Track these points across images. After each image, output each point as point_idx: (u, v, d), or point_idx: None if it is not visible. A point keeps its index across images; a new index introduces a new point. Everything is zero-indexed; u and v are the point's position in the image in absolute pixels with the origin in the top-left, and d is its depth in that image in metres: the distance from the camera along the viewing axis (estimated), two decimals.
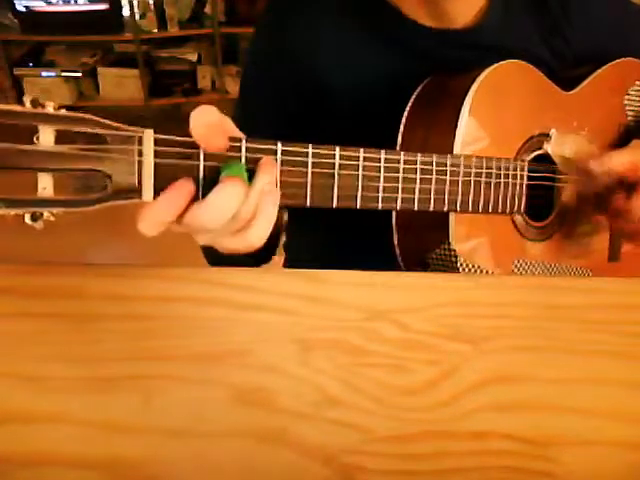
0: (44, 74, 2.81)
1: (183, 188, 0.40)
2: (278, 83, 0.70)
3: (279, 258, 0.90)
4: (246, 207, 0.41)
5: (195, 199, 0.41)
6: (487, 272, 0.62)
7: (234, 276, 0.50)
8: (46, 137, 0.36)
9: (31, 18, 2.69)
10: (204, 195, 0.41)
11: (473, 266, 0.61)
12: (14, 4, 2.62)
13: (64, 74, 2.80)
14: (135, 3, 2.68)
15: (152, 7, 2.71)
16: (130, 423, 0.46)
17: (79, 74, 2.82)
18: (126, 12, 2.73)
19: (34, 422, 0.46)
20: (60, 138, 0.36)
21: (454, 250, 0.59)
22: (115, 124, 0.38)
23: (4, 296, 0.48)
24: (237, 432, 0.47)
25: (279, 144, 0.44)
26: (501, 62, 0.61)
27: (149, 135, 0.39)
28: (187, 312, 0.49)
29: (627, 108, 0.75)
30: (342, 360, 0.49)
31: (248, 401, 0.47)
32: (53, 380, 0.47)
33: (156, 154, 0.39)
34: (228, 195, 0.40)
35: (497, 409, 0.49)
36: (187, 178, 0.40)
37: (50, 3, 2.66)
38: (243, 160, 0.43)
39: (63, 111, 0.36)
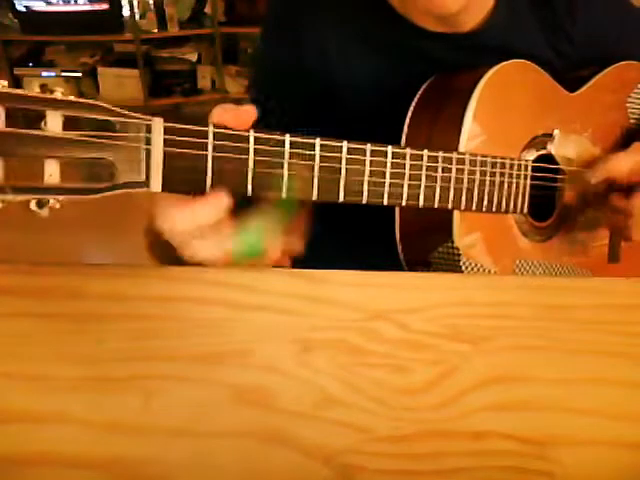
0: (44, 74, 2.81)
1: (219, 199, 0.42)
2: (278, 84, 0.70)
3: None
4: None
5: (203, 190, 0.41)
6: (489, 271, 0.62)
7: (234, 276, 0.50)
8: (54, 123, 0.35)
9: (31, 18, 2.69)
10: (212, 185, 0.41)
11: (475, 265, 0.61)
12: (14, 4, 2.62)
13: (64, 74, 2.81)
14: (135, 3, 2.68)
15: (152, 7, 2.71)
16: (130, 423, 0.46)
17: (79, 74, 2.82)
18: (126, 12, 2.73)
19: (34, 422, 0.46)
20: (68, 124, 0.35)
21: (457, 249, 0.59)
22: (124, 111, 0.38)
23: (4, 296, 0.48)
24: (237, 432, 0.47)
25: (287, 136, 0.44)
26: (506, 62, 0.61)
27: (158, 123, 0.39)
28: (187, 312, 0.49)
29: (630, 111, 0.75)
30: (342, 360, 0.49)
31: (248, 401, 0.47)
32: (53, 380, 0.47)
33: (165, 143, 0.39)
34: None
35: (497, 409, 0.49)
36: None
37: (50, 3, 2.66)
38: (252, 153, 0.43)
39: (72, 97, 0.36)
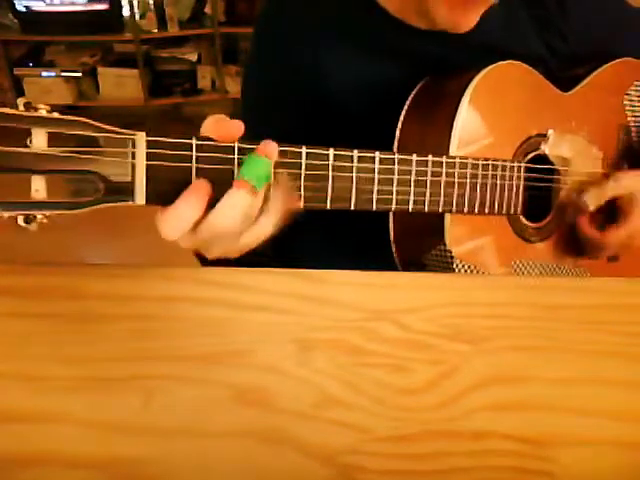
0: (44, 74, 2.81)
1: (201, 189, 0.40)
2: (277, 85, 0.70)
3: None
4: (255, 206, 0.42)
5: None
6: (483, 273, 0.62)
7: (234, 276, 0.50)
8: (39, 140, 0.36)
9: (31, 18, 2.69)
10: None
11: (469, 267, 0.61)
12: (14, 4, 2.62)
13: (64, 74, 2.80)
14: (135, 3, 2.68)
15: (152, 7, 2.71)
16: (130, 423, 0.46)
17: (79, 74, 2.82)
18: (126, 12, 2.72)
19: (34, 422, 0.46)
20: (53, 140, 0.36)
21: (450, 252, 0.59)
22: (108, 127, 0.39)
23: (4, 296, 0.48)
24: (237, 432, 0.47)
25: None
26: (498, 63, 0.61)
27: (142, 138, 0.39)
28: (187, 312, 0.49)
29: (626, 108, 0.75)
30: (342, 360, 0.49)
31: (248, 401, 0.47)
32: (53, 380, 0.47)
33: (148, 157, 0.40)
34: (234, 202, 0.41)
35: (497, 409, 0.49)
36: (202, 180, 0.41)
37: (50, 3, 2.66)
38: (236, 163, 0.43)
39: (56, 114, 0.37)
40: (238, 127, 0.43)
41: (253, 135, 0.44)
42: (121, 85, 2.87)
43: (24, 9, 2.65)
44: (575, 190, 0.69)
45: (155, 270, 0.50)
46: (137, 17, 2.72)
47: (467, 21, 0.59)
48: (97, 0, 2.67)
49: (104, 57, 2.94)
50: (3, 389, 0.47)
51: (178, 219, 0.40)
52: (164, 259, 0.52)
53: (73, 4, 2.68)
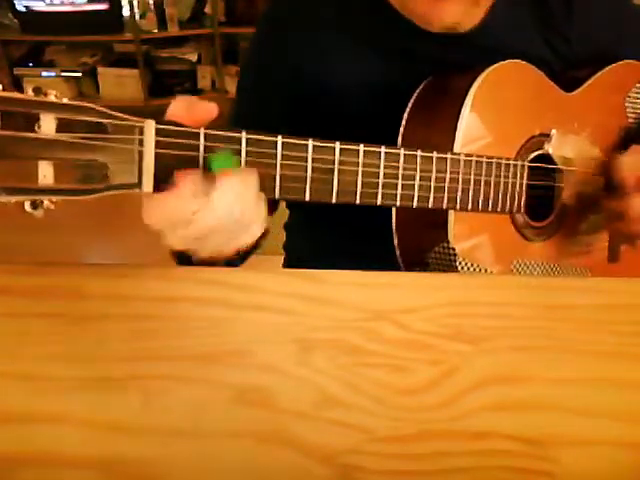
0: (44, 74, 2.81)
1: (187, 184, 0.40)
2: (277, 84, 0.70)
3: (279, 258, 0.90)
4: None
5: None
6: (485, 271, 0.62)
7: (234, 276, 0.50)
8: (47, 125, 0.36)
9: (31, 18, 2.69)
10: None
11: (472, 265, 0.61)
12: (14, 4, 2.63)
13: (64, 74, 2.81)
14: (135, 3, 2.68)
15: (152, 7, 2.71)
16: (130, 423, 0.46)
17: (79, 74, 2.83)
18: (126, 12, 2.73)
19: (34, 422, 0.46)
20: (61, 126, 0.36)
21: (453, 249, 0.59)
22: (116, 113, 0.38)
23: (4, 296, 0.48)
24: (237, 432, 0.47)
25: (279, 137, 0.45)
26: (502, 62, 0.61)
27: (150, 125, 0.39)
28: (187, 312, 0.49)
29: (627, 110, 0.75)
30: (342, 360, 0.49)
31: (248, 401, 0.47)
32: (53, 380, 0.47)
33: (157, 144, 0.39)
34: (233, 194, 0.41)
35: (497, 409, 0.49)
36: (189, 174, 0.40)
37: (50, 3, 2.66)
38: (244, 154, 0.43)
39: (65, 99, 0.36)
40: (211, 110, 0.42)
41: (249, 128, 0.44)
42: (121, 85, 2.87)
43: (24, 9, 2.65)
44: (576, 191, 0.70)
45: (155, 270, 0.50)
46: (137, 17, 2.72)
47: (440, 16, 0.59)
48: (97, 0, 2.67)
49: (104, 57, 2.94)
50: (3, 389, 0.46)
51: (163, 212, 0.40)
52: (164, 259, 0.52)
53: (73, 4, 2.68)
